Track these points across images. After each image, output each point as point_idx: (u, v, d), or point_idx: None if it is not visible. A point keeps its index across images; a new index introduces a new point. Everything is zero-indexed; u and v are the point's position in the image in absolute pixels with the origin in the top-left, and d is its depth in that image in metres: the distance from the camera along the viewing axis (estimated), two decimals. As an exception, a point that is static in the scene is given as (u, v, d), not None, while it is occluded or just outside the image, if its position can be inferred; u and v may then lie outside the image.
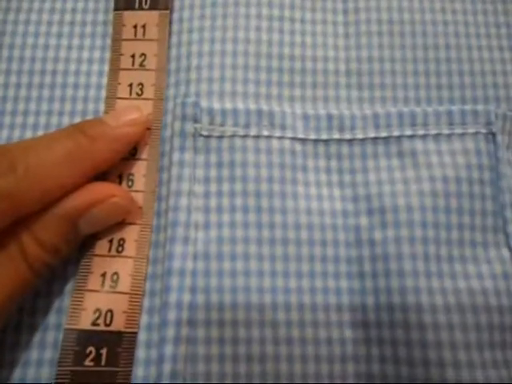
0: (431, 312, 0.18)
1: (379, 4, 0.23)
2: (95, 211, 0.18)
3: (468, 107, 0.21)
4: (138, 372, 0.19)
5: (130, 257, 0.19)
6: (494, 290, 0.19)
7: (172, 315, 0.18)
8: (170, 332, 0.18)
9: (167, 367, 0.18)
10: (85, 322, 0.19)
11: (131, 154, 0.21)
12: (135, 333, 0.19)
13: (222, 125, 0.21)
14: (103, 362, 0.18)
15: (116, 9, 0.22)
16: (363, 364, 0.19)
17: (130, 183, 0.20)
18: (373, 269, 0.19)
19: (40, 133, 0.21)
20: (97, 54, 0.22)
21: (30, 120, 0.21)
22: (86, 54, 0.22)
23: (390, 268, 0.19)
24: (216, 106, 0.21)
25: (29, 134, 0.21)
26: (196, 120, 0.20)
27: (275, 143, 0.20)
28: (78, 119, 0.21)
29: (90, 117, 0.21)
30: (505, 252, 0.20)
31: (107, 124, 0.19)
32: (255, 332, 0.18)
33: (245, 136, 0.20)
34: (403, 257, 0.19)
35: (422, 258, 0.19)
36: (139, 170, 0.21)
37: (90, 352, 0.18)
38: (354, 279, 0.19)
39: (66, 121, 0.21)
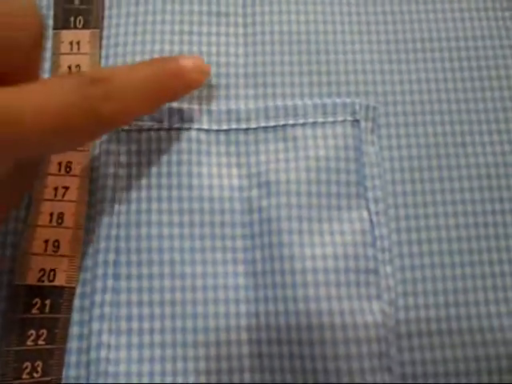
0: (301, 260, 0.24)
1: (272, 18, 0.28)
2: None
3: (338, 100, 0.26)
4: (75, 317, 0.24)
5: (69, 227, 0.25)
6: (352, 242, 0.24)
7: (100, 271, 0.24)
8: (99, 284, 0.24)
9: (97, 311, 0.23)
10: (32, 279, 0.24)
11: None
12: (74, 287, 0.24)
13: (140, 120, 0.26)
14: (47, 310, 0.24)
15: (55, 28, 0.27)
16: (253, 304, 0.24)
17: (67, 169, 0.25)
18: (260, 230, 0.25)
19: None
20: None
21: None
22: None
23: (271, 228, 0.24)
24: None
25: None
26: None
27: (184, 134, 0.26)
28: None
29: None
30: (364, 213, 0.25)
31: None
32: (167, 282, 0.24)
33: (159, 129, 0.26)
34: (281, 219, 0.24)
35: (296, 220, 0.24)
36: (76, 158, 0.26)
37: (37, 302, 0.23)
38: (247, 240, 0.25)
39: None
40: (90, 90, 0.20)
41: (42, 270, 0.24)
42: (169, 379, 0.23)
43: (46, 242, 0.24)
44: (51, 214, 0.25)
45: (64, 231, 0.24)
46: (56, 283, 0.24)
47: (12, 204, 0.24)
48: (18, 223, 0.25)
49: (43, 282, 0.24)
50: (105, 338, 0.23)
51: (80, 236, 0.25)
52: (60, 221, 0.25)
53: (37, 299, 0.24)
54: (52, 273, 0.24)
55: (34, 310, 0.23)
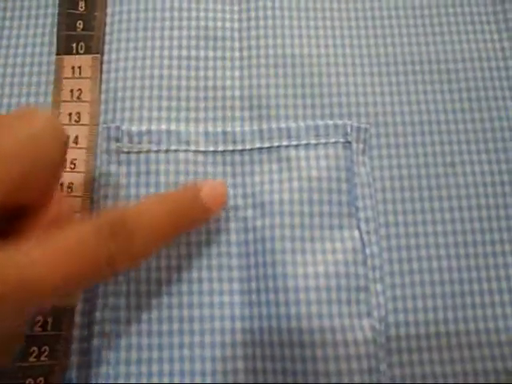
0: (294, 278, 0.24)
1: (267, 42, 0.29)
2: None
3: (331, 122, 0.27)
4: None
5: None
6: (343, 261, 0.25)
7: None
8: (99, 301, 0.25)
9: (97, 328, 0.24)
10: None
11: (71, 167, 0.27)
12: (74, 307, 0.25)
13: (139, 143, 0.27)
14: (49, 328, 0.24)
15: (57, 53, 0.28)
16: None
17: (69, 190, 0.26)
18: (254, 249, 0.25)
19: None
20: (42, 88, 0.28)
21: None
22: (33, 89, 0.28)
23: (265, 248, 0.25)
24: (134, 128, 0.27)
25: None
26: (118, 140, 0.27)
27: (181, 155, 0.27)
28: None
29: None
30: (355, 233, 0.26)
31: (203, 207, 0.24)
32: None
33: (157, 151, 0.27)
34: (275, 239, 0.25)
35: (289, 239, 0.25)
36: (78, 179, 0.27)
37: (39, 321, 0.24)
38: (242, 258, 0.26)
39: None
40: (108, 246, 0.20)
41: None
42: None
43: None
44: None
45: None
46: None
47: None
48: None
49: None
50: (104, 354, 0.24)
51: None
52: None
53: (39, 317, 0.24)
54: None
55: (37, 328, 0.24)
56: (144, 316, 0.25)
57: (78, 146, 0.27)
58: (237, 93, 0.28)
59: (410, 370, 0.25)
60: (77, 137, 0.27)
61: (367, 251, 0.25)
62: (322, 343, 0.23)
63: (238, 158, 0.27)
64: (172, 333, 0.25)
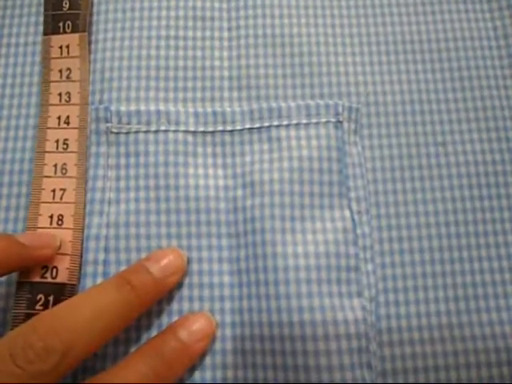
0: (283, 257, 0.24)
1: (256, 22, 0.28)
2: None
3: (321, 102, 0.27)
4: None
5: (69, 228, 0.25)
6: (334, 241, 0.25)
7: (90, 269, 0.25)
8: (88, 282, 0.25)
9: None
10: (35, 276, 0.25)
11: (63, 148, 0.27)
12: (75, 284, 0.25)
13: (129, 123, 0.26)
14: (51, 306, 0.24)
15: (45, 34, 0.28)
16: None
17: (63, 171, 0.26)
18: (244, 229, 0.25)
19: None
20: (28, 70, 0.28)
21: None
22: (19, 69, 0.28)
23: (255, 227, 0.25)
24: (122, 109, 0.26)
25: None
26: (107, 120, 0.26)
27: (171, 136, 0.26)
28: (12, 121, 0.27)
29: (21, 119, 0.28)
30: (346, 212, 0.26)
31: (153, 275, 0.23)
32: None
33: (147, 131, 0.26)
34: (265, 218, 0.25)
35: (279, 219, 0.25)
36: (71, 159, 0.26)
37: (40, 298, 0.24)
38: (232, 238, 0.26)
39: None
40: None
41: (45, 267, 0.25)
42: None
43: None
44: (51, 216, 0.25)
45: (64, 231, 0.25)
46: (58, 280, 0.25)
47: None
48: (17, 223, 0.26)
49: (46, 278, 0.25)
50: None
51: (80, 235, 0.25)
52: (60, 222, 0.25)
53: (40, 295, 0.24)
54: (54, 270, 0.25)
55: (38, 306, 0.24)
56: None
57: (70, 126, 0.27)
58: (225, 73, 0.28)
59: (399, 350, 0.25)
60: (68, 117, 0.27)
61: (358, 231, 0.25)
62: (311, 322, 0.24)
63: (228, 138, 0.27)
64: (161, 312, 0.25)
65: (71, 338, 0.20)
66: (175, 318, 0.25)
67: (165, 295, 0.25)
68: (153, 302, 0.24)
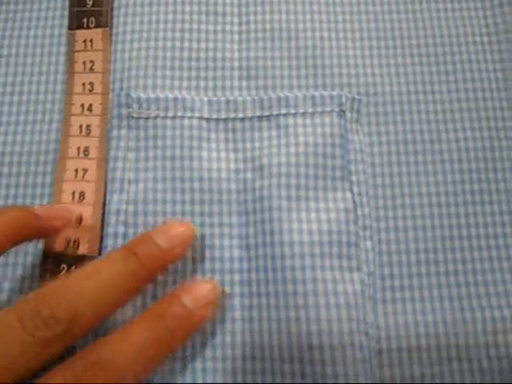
0: (289, 233, 0.27)
1: (264, 17, 0.31)
2: None
3: (326, 92, 0.29)
4: None
5: (89, 204, 0.28)
6: (336, 219, 0.27)
7: (110, 242, 0.27)
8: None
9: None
10: (59, 247, 0.27)
11: (86, 132, 0.29)
12: (95, 256, 0.27)
13: (148, 109, 0.29)
14: None
15: (70, 28, 0.31)
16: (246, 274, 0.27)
17: (85, 153, 0.29)
18: (253, 207, 0.28)
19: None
20: (53, 59, 0.31)
21: None
22: (45, 59, 0.31)
23: (263, 206, 0.27)
24: (142, 95, 0.29)
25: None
26: (129, 106, 0.29)
27: (186, 121, 0.29)
28: (40, 106, 0.30)
29: (48, 104, 0.30)
30: (348, 194, 0.28)
31: (159, 245, 0.24)
32: None
33: (164, 117, 0.29)
34: (272, 198, 0.27)
35: (285, 199, 0.27)
36: (93, 143, 0.29)
37: (63, 268, 0.27)
38: (242, 216, 0.28)
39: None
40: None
41: (68, 239, 0.27)
42: None
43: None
44: (73, 193, 0.28)
45: (86, 207, 0.28)
46: (80, 252, 0.27)
47: None
48: (43, 199, 0.28)
49: (69, 250, 0.27)
50: None
51: (100, 211, 0.28)
52: (82, 198, 0.28)
53: (63, 265, 0.27)
54: (76, 242, 0.27)
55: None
56: None
57: (93, 113, 0.29)
58: (235, 64, 0.30)
59: (393, 320, 0.27)
60: (90, 105, 0.29)
61: (358, 212, 0.28)
62: (314, 292, 0.26)
63: (239, 125, 0.29)
64: (173, 283, 0.27)
65: (77, 308, 0.21)
66: None
67: (171, 265, 0.26)
68: (159, 272, 0.25)
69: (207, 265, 0.27)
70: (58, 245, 0.27)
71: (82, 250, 0.27)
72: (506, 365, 0.26)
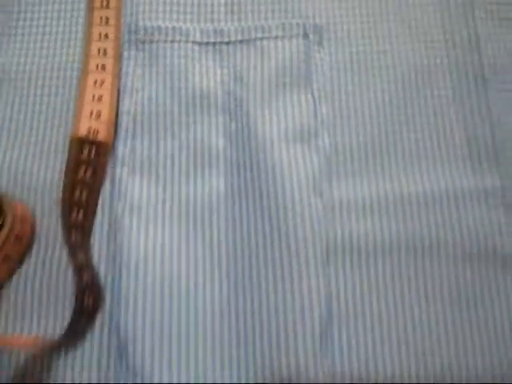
0: (262, 125, 0.34)
1: None
2: None
3: (294, 21, 0.37)
4: None
5: (106, 103, 0.35)
6: (299, 115, 0.35)
7: (123, 133, 0.34)
8: (121, 139, 0.34)
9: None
10: (82, 132, 0.34)
11: (103, 54, 0.37)
12: (108, 144, 0.35)
13: (152, 35, 0.36)
14: (93, 155, 0.34)
15: (88, 8, 0.38)
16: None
17: (103, 68, 0.36)
18: (234, 108, 0.35)
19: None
20: None
21: None
22: None
23: (242, 107, 0.35)
24: (148, 24, 0.36)
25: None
26: (137, 33, 0.36)
27: (182, 45, 0.36)
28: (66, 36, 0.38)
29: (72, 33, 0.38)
30: (309, 96, 0.35)
31: None
32: None
33: (165, 41, 0.36)
34: (250, 101, 0.35)
35: (259, 100, 0.35)
36: (109, 62, 0.36)
37: (86, 148, 0.34)
38: (226, 114, 0.35)
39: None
40: None
41: (90, 127, 0.34)
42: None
43: (91, 112, 0.35)
44: (93, 96, 0.35)
45: (103, 106, 0.35)
46: (98, 139, 0.34)
47: None
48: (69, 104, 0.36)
49: (89, 136, 0.34)
50: None
51: (115, 109, 0.35)
52: (100, 99, 0.35)
53: (86, 145, 0.34)
54: (96, 131, 0.34)
55: (85, 155, 0.34)
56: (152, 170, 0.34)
57: (108, 39, 0.37)
58: (222, 1, 0.38)
59: (346, 186, 0.34)
60: (106, 33, 0.37)
61: (317, 110, 0.35)
62: (281, 168, 0.33)
63: (224, 47, 0.37)
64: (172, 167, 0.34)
65: None
66: (176, 187, 0.34)
67: None
68: None
69: (198, 152, 0.34)
70: (82, 131, 0.34)
71: (100, 137, 0.34)
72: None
